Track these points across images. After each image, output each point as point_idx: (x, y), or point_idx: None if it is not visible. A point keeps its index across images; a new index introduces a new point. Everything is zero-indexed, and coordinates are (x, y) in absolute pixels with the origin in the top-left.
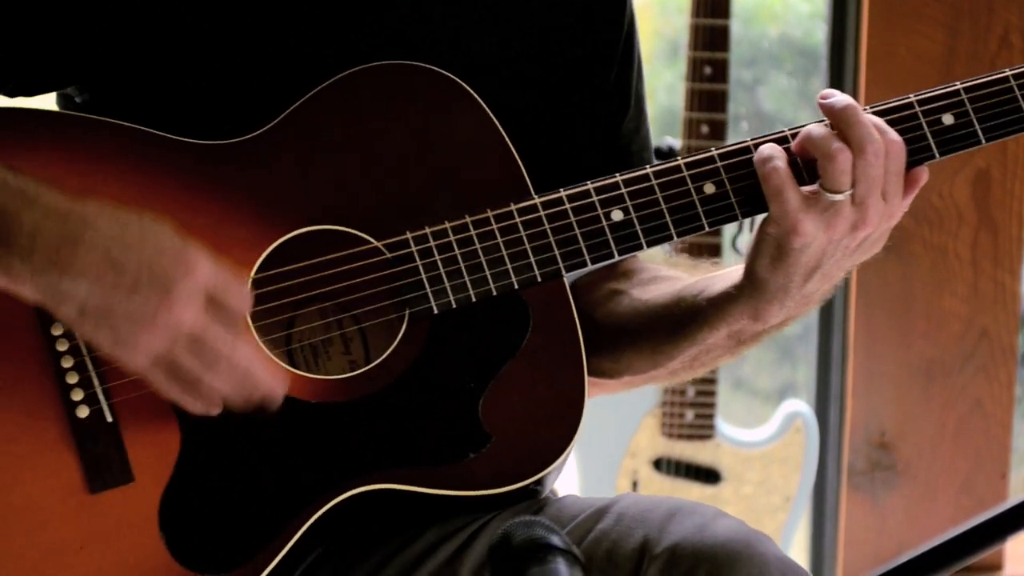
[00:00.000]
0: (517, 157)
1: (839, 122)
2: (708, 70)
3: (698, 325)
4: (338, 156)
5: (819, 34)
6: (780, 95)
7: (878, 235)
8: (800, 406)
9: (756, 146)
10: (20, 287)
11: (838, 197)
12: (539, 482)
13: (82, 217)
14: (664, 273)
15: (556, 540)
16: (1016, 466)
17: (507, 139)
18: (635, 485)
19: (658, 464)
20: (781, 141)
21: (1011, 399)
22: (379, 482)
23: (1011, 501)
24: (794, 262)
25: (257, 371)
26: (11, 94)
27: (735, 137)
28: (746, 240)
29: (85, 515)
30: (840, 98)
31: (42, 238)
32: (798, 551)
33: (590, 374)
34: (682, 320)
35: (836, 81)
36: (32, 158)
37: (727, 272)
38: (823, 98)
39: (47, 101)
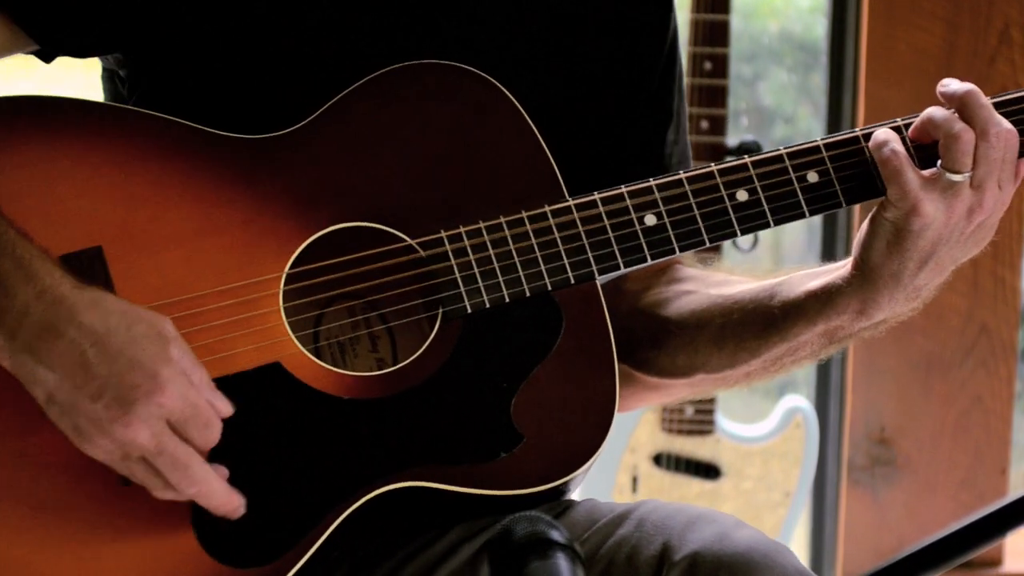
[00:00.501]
0: (551, 159)
1: (963, 106)
2: (708, 65)
3: (794, 320)
4: (374, 153)
5: (819, 29)
6: (780, 90)
7: (990, 224)
8: (800, 401)
9: (788, 155)
10: (0, 358)
11: (958, 178)
12: (566, 484)
13: (72, 309)
14: (737, 277)
15: (556, 535)
16: (1016, 461)
17: (542, 141)
18: (635, 480)
19: (658, 459)
20: (813, 151)
21: (1011, 394)
22: (409, 479)
23: (1011, 496)
24: (911, 246)
25: (210, 499)
26: (54, 54)
27: (735, 132)
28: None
29: (117, 507)
30: (961, 84)
31: (28, 320)
32: (798, 546)
33: (659, 373)
34: (775, 314)
35: (836, 76)
36: (72, 145)
37: (827, 267)
38: (943, 86)
39: (91, 86)
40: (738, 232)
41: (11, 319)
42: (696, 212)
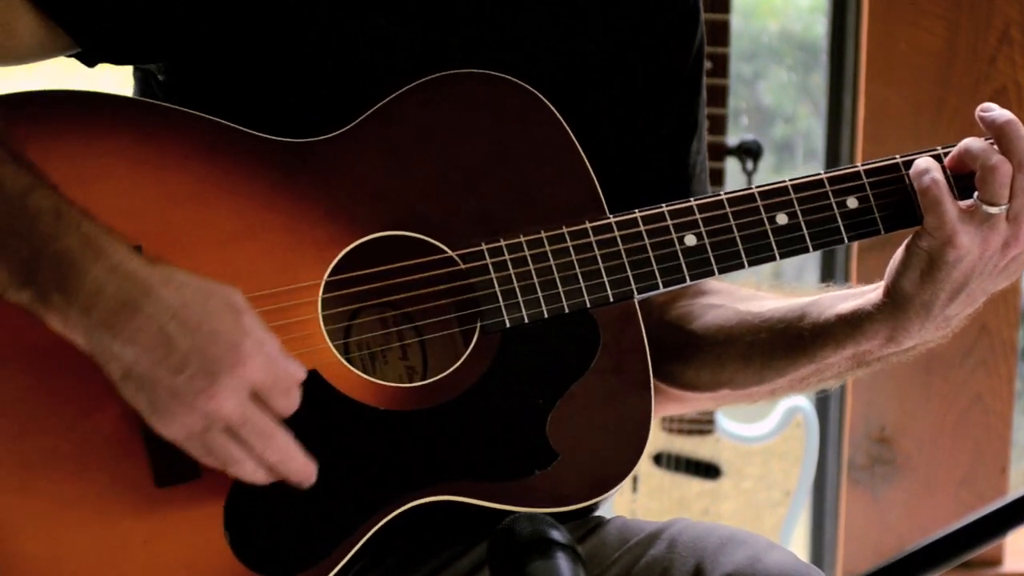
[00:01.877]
0: (592, 174)
1: (1001, 135)
2: (708, 64)
3: (823, 342)
4: (415, 161)
5: (819, 28)
6: (780, 89)
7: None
8: (800, 401)
9: (829, 180)
10: (74, 336)
11: (995, 210)
12: (598, 503)
13: (146, 282)
14: (765, 293)
15: (557, 535)
16: (1016, 460)
17: (583, 155)
18: (635, 480)
19: (658, 459)
20: (854, 176)
21: (1011, 393)
22: (442, 493)
23: (1011, 496)
24: (944, 277)
25: (289, 465)
26: (98, 60)
27: (735, 132)
28: None
29: (150, 509)
30: (1001, 112)
31: (103, 297)
32: (798, 546)
33: (683, 387)
34: (804, 336)
35: (836, 76)
36: (113, 142)
37: (857, 290)
38: (983, 111)
39: (122, 83)
40: (777, 256)
41: (84, 296)
42: (736, 234)
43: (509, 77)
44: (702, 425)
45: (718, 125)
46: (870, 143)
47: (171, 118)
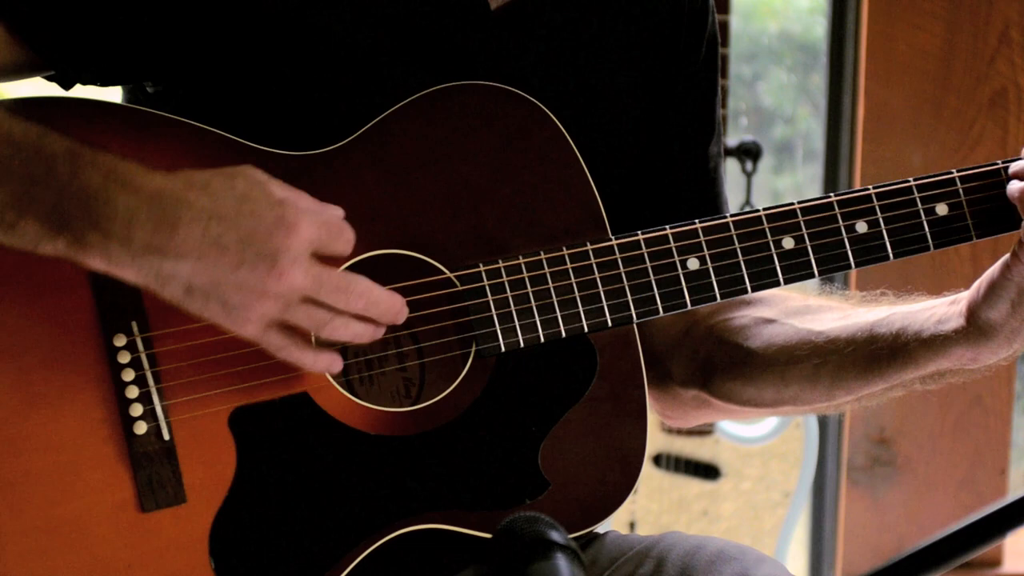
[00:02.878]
0: (595, 191)
1: None
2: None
3: (902, 363)
4: (413, 177)
5: (819, 29)
6: (779, 90)
7: None
8: None
9: (839, 202)
10: (121, 271)
11: None
12: (588, 533)
13: (175, 194)
14: (814, 303)
15: (557, 536)
16: (1015, 461)
17: (587, 171)
18: None
19: (658, 460)
20: (865, 199)
21: (1010, 395)
22: (431, 522)
23: (1010, 497)
24: None
25: (379, 306)
26: (85, 82)
27: (734, 132)
28: None
29: (134, 534)
30: None
31: (138, 221)
32: (797, 546)
33: (743, 403)
34: (878, 358)
35: (836, 76)
36: (117, 152)
37: (931, 308)
38: None
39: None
40: (781, 282)
41: (120, 226)
42: (740, 259)
43: (511, 88)
44: (702, 426)
45: None
46: (870, 144)
47: (166, 127)
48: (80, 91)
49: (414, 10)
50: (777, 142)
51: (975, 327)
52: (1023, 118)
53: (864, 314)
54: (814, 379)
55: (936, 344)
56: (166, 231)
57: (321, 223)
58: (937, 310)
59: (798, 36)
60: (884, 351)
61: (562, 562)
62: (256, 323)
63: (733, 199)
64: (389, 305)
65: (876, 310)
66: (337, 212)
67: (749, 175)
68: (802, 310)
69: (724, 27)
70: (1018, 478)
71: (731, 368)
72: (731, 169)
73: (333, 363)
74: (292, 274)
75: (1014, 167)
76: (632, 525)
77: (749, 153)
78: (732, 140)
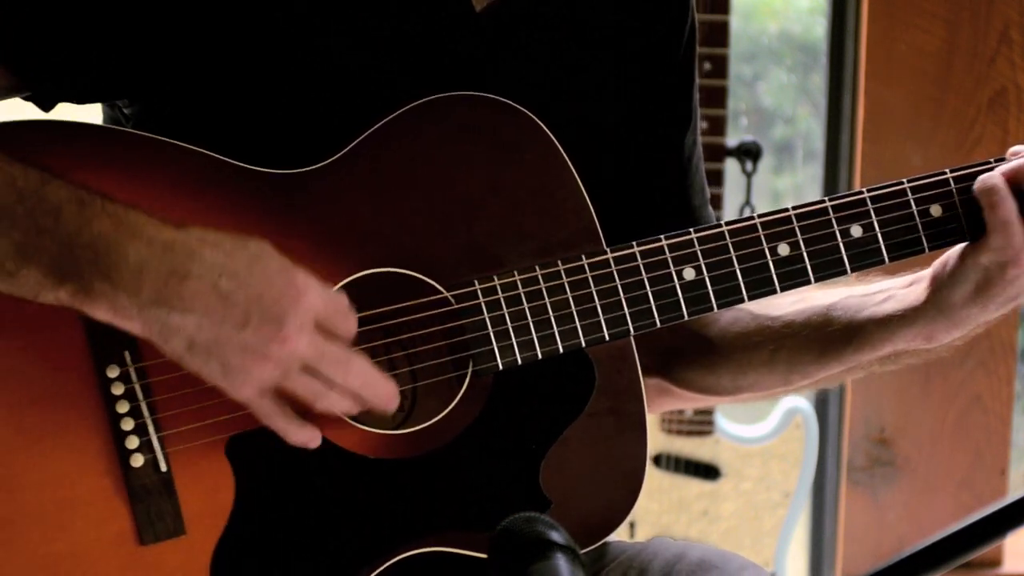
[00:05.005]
0: (589, 202)
1: None
2: (707, 66)
3: (857, 345)
4: (403, 192)
5: (819, 30)
6: (779, 91)
7: None
8: (800, 402)
9: (833, 207)
10: (127, 322)
11: None
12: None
13: (187, 247)
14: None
15: (557, 536)
16: (1015, 462)
17: (580, 182)
18: None
19: (658, 460)
20: (859, 203)
21: (1010, 395)
22: (433, 544)
23: (1010, 497)
24: (999, 292)
25: (374, 388)
26: (60, 99)
27: (734, 133)
28: None
29: (134, 568)
30: None
31: (148, 272)
32: (798, 547)
33: (701, 391)
34: (834, 340)
35: (836, 77)
36: (92, 177)
37: (885, 289)
38: (1014, 155)
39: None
40: (778, 289)
41: (129, 276)
42: (736, 267)
43: (501, 99)
44: (702, 426)
45: (718, 126)
46: (870, 144)
47: (153, 150)
48: (56, 112)
49: (398, 14)
50: (777, 142)
51: (934, 305)
52: (1023, 118)
53: (820, 297)
54: (771, 364)
55: (892, 324)
56: (175, 282)
57: (328, 298)
58: (894, 291)
59: (798, 36)
60: (839, 333)
61: (562, 562)
62: (253, 387)
63: (733, 199)
64: (384, 391)
65: (832, 292)
66: (342, 295)
67: (749, 175)
68: (766, 300)
69: (724, 27)
70: (1018, 478)
71: (690, 356)
72: (731, 169)
73: (313, 439)
74: (296, 340)
75: (985, 182)
76: (632, 525)
77: (749, 153)
78: (732, 140)
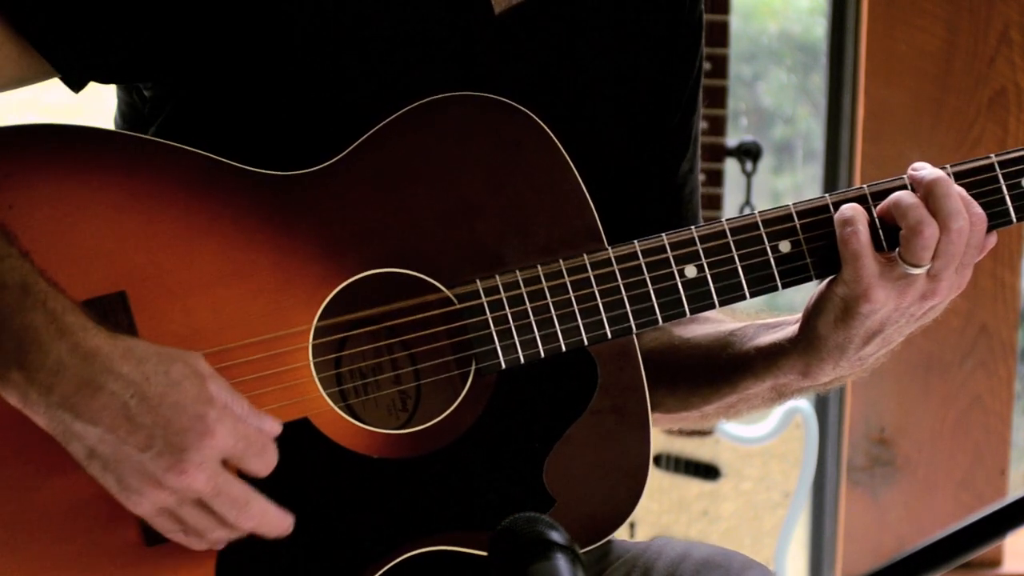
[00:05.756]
0: (591, 202)
1: (928, 195)
2: (707, 66)
3: (743, 373)
4: (405, 193)
5: (819, 30)
6: (779, 91)
7: (944, 305)
8: (800, 402)
9: (835, 204)
10: (34, 415)
11: (916, 271)
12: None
13: (108, 361)
14: (705, 313)
15: (557, 536)
16: (1015, 462)
17: (581, 182)
18: None
19: (658, 460)
20: (860, 200)
21: (1010, 395)
22: (437, 543)
23: (1010, 497)
24: (858, 325)
25: (266, 528)
26: (83, 83)
27: (734, 133)
28: None
29: (140, 569)
30: (930, 171)
31: (64, 377)
32: (797, 547)
33: None
34: (727, 366)
35: (836, 77)
36: (92, 180)
37: (779, 321)
38: (913, 169)
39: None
40: (779, 286)
41: (45, 375)
42: (738, 264)
43: (502, 99)
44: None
45: (718, 126)
46: (870, 144)
47: (156, 153)
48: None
49: (417, 15)
50: (777, 142)
51: (806, 338)
52: (1023, 118)
53: (729, 323)
54: (673, 386)
55: (771, 355)
56: (87, 393)
57: (243, 434)
58: (785, 321)
59: (798, 36)
60: (730, 360)
61: (562, 562)
62: (147, 506)
63: (733, 199)
64: (276, 526)
65: (741, 321)
66: (272, 428)
67: (749, 175)
68: (688, 320)
69: (724, 27)
70: (1018, 478)
71: None
72: (731, 169)
73: (215, 545)
74: (193, 475)
75: (842, 213)
76: (632, 526)
77: (749, 153)
78: (732, 140)
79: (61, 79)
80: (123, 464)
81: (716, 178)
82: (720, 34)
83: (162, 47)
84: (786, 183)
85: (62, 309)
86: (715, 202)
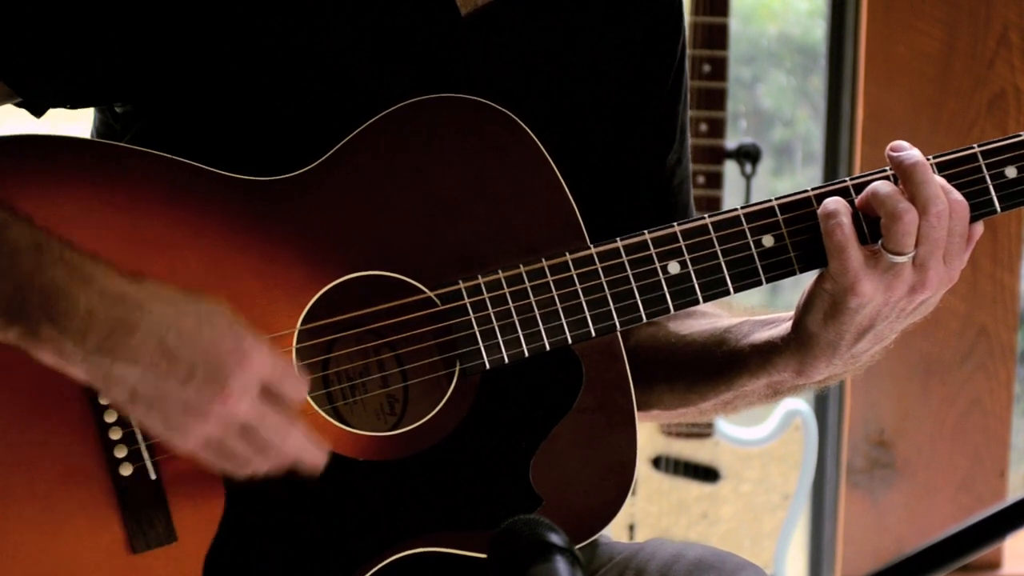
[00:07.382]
0: (572, 201)
1: (907, 180)
2: (707, 68)
3: (738, 371)
4: (387, 196)
5: (818, 32)
6: (779, 93)
7: (935, 299)
8: (799, 404)
9: (817, 198)
10: (71, 367)
11: (900, 259)
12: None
13: (137, 301)
14: (701, 308)
15: (556, 539)
16: (1015, 464)
17: (563, 183)
18: (634, 484)
19: (657, 462)
20: (843, 193)
21: (1010, 397)
22: (425, 545)
23: (1010, 499)
24: (848, 320)
25: (307, 453)
26: (54, 105)
27: (733, 135)
28: None
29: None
30: (909, 154)
31: (96, 321)
32: (797, 549)
33: None
34: (722, 363)
35: (835, 79)
36: (77, 190)
37: (774, 318)
38: (892, 150)
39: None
40: (763, 280)
41: (78, 323)
42: (721, 260)
43: (483, 100)
44: (701, 428)
45: (717, 128)
46: (869, 146)
47: (138, 161)
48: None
49: (383, 18)
50: (776, 144)
51: (797, 336)
52: (1022, 121)
53: (726, 319)
54: (671, 382)
55: (765, 352)
56: (122, 334)
57: (275, 363)
58: (780, 318)
59: (797, 38)
60: (726, 356)
61: (561, 565)
62: (193, 441)
63: (732, 202)
64: (317, 460)
65: (738, 317)
66: (291, 363)
67: (748, 177)
68: (684, 315)
69: (723, 30)
70: (1017, 480)
71: None
72: (730, 172)
73: (259, 469)
74: (236, 400)
75: (825, 207)
76: (631, 528)
77: (748, 155)
78: (731, 142)
79: (22, 104)
80: (167, 400)
81: (715, 180)
82: (719, 36)
83: (124, 68)
84: (786, 185)
85: (81, 260)
86: (714, 204)
